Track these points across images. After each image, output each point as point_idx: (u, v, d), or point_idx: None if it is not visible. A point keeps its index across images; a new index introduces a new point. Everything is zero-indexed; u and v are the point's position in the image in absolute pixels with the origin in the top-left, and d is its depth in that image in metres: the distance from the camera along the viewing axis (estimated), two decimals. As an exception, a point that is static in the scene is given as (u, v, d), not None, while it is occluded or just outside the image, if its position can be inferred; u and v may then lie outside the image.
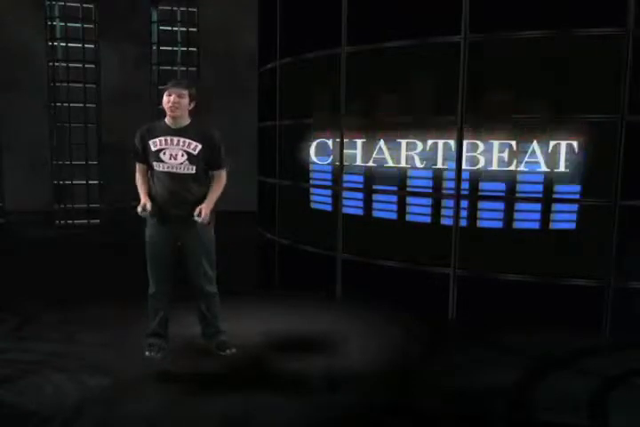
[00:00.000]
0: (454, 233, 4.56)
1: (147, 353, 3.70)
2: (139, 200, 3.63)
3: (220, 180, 3.72)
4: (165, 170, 3.59)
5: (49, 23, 9.49)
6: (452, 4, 4.37)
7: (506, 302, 4.43)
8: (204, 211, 3.54)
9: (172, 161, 3.58)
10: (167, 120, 3.65)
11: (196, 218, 3.53)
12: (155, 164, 3.61)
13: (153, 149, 3.60)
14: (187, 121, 3.64)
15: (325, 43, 5.08)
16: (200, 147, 3.60)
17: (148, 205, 3.56)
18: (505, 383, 3.42)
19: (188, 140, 3.59)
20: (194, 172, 3.61)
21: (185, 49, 10.23)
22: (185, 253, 3.70)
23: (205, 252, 3.72)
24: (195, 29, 10.26)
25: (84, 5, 9.50)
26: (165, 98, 3.59)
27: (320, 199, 5.39)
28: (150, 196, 3.66)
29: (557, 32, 4.13)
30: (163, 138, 3.60)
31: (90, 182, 9.79)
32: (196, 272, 3.72)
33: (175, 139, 3.59)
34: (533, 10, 4.19)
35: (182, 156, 3.58)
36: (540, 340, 4.11)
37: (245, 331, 4.15)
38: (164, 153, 3.59)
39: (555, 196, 4.26)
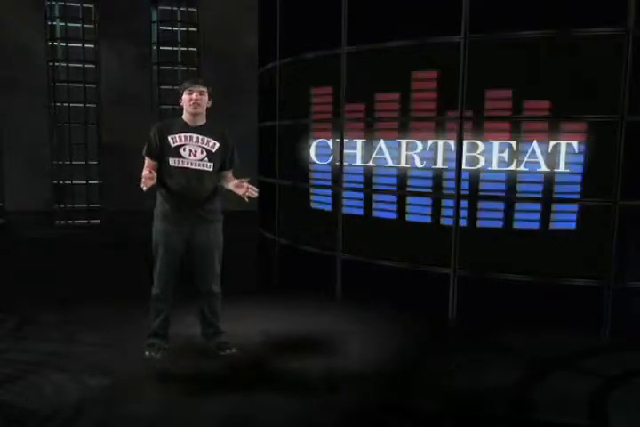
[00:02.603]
0: (454, 233, 4.56)
1: (147, 353, 3.70)
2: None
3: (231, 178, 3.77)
4: (184, 166, 3.60)
5: (49, 23, 9.48)
6: (452, 4, 4.37)
7: (506, 302, 4.42)
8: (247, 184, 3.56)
9: (192, 157, 3.61)
10: (185, 118, 3.68)
11: (252, 193, 3.55)
12: (172, 159, 3.60)
13: (172, 144, 3.61)
14: (204, 119, 3.69)
15: (325, 43, 5.08)
16: (218, 145, 3.65)
17: (148, 174, 3.44)
18: (505, 383, 3.42)
19: (206, 138, 3.63)
20: (211, 169, 3.64)
21: (185, 49, 10.23)
22: (196, 252, 3.70)
23: (217, 250, 3.74)
24: (195, 29, 10.26)
25: (84, 5, 9.50)
26: (186, 96, 3.61)
27: (320, 199, 5.39)
28: (162, 196, 3.67)
29: (557, 32, 4.13)
30: (182, 134, 3.62)
31: (90, 182, 9.79)
32: (206, 271, 3.73)
33: (194, 136, 3.62)
34: (533, 10, 4.19)
35: (202, 153, 3.62)
36: (540, 340, 4.11)
37: (245, 331, 4.15)
38: (184, 149, 3.60)
39: (555, 196, 4.26)
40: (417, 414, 3.11)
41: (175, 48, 10.21)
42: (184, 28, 10.19)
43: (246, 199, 3.60)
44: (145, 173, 3.47)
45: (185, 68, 10.20)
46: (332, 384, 3.38)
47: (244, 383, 3.37)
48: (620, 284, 4.20)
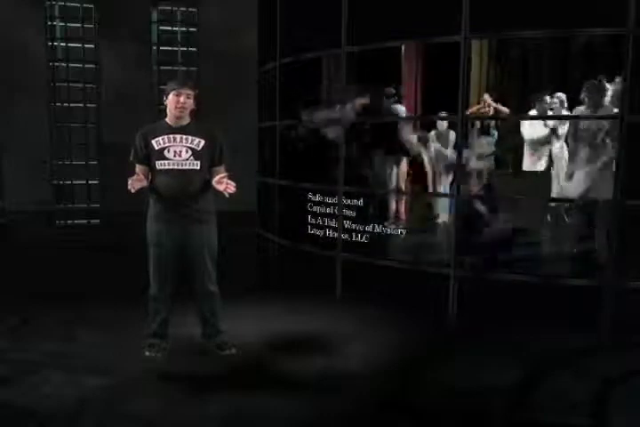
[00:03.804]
0: (454, 233, 4.55)
1: (147, 353, 3.70)
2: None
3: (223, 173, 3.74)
4: (170, 167, 3.60)
5: (49, 23, 9.48)
6: (451, 4, 4.37)
7: (506, 302, 4.42)
8: (226, 179, 3.50)
9: (177, 158, 3.60)
10: (168, 120, 3.68)
11: (230, 189, 3.47)
12: (158, 162, 3.61)
13: (156, 147, 3.61)
14: (187, 120, 3.68)
15: (325, 43, 5.08)
16: (203, 142, 3.63)
17: (136, 177, 3.49)
18: (505, 383, 3.42)
19: (190, 137, 3.62)
20: (198, 167, 3.63)
21: (185, 49, 10.23)
22: (189, 252, 3.69)
23: (210, 250, 3.74)
24: (195, 29, 10.26)
25: (84, 5, 9.50)
26: (173, 98, 3.60)
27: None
28: (153, 198, 3.67)
29: (557, 32, 4.13)
30: (165, 136, 3.62)
31: (90, 182, 9.79)
32: (200, 271, 3.72)
33: (178, 136, 3.62)
34: (533, 10, 4.19)
35: (187, 152, 3.61)
36: (540, 340, 4.11)
37: (245, 331, 4.15)
38: (169, 150, 3.60)
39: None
40: (417, 414, 3.12)
41: (175, 48, 10.20)
42: (184, 28, 10.19)
43: (226, 195, 3.53)
44: (134, 177, 3.51)
45: (185, 68, 10.20)
46: (332, 384, 3.39)
47: (244, 383, 3.38)
48: (620, 284, 4.20)
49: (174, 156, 3.60)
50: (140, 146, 3.65)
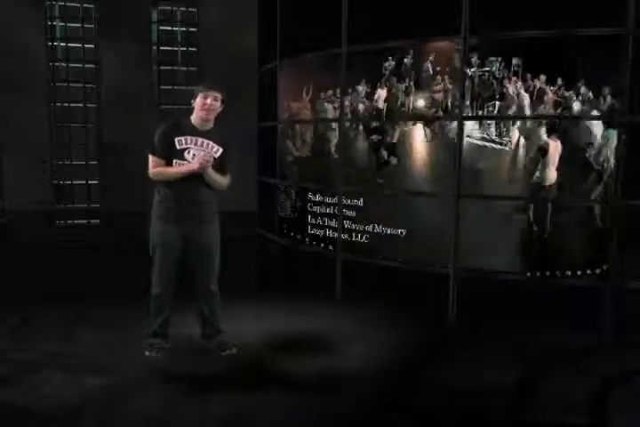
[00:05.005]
0: (454, 233, 4.55)
1: (147, 353, 3.70)
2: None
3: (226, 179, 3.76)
4: None
5: (49, 23, 9.49)
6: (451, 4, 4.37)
7: (506, 301, 4.42)
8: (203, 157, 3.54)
9: None
10: (194, 120, 3.66)
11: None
12: (176, 162, 3.60)
13: (178, 146, 3.61)
14: (212, 124, 3.68)
15: (325, 42, 5.08)
16: (221, 150, 3.65)
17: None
18: (505, 383, 3.42)
19: (211, 143, 3.64)
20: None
21: (185, 49, 10.24)
22: (194, 252, 3.70)
23: (215, 250, 3.75)
24: (195, 29, 10.27)
25: (84, 5, 9.50)
26: (200, 100, 3.59)
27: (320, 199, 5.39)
28: (161, 196, 3.66)
29: (557, 32, 4.13)
30: (189, 137, 3.62)
31: (90, 182, 9.79)
32: (204, 271, 3.74)
33: (199, 140, 3.62)
34: (534, 9, 4.19)
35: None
36: (540, 340, 4.11)
37: (245, 331, 4.15)
38: (189, 152, 3.61)
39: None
40: (417, 414, 3.12)
41: (175, 48, 10.21)
42: (184, 28, 10.19)
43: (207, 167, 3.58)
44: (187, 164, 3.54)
45: (185, 69, 10.21)
46: (332, 384, 3.39)
47: (244, 383, 3.38)
48: (619, 284, 4.19)
49: (193, 159, 3.60)
50: (165, 142, 3.60)
